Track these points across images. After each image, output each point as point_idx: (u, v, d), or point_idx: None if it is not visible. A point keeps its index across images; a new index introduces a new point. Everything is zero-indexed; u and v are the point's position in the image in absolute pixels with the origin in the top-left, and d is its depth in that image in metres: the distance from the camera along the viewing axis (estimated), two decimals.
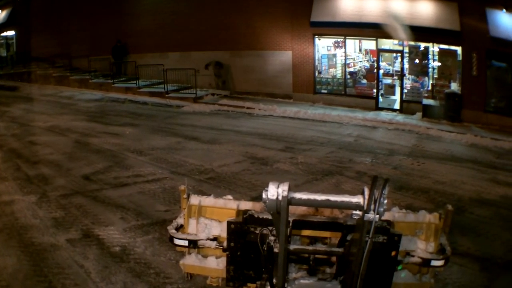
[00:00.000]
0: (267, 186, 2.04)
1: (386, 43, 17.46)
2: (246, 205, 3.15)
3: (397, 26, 14.64)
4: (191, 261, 3.24)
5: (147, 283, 5.11)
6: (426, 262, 2.98)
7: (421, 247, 3.05)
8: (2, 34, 34.39)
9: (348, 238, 2.54)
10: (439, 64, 16.61)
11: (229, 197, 3.40)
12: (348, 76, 18.59)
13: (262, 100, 19.08)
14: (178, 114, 17.04)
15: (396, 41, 17.01)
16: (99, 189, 8.31)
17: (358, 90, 18.39)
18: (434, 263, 2.98)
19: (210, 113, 17.36)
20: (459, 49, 15.93)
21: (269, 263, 2.55)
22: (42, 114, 16.67)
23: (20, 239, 6.21)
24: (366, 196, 1.97)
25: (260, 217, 2.66)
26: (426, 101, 16.42)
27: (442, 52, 16.46)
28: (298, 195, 2.07)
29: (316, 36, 18.55)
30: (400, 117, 16.33)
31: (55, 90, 23.55)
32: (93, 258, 5.66)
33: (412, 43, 16.70)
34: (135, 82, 21.78)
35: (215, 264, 3.19)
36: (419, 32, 15.48)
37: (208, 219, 3.23)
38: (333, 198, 2.04)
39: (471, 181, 9.18)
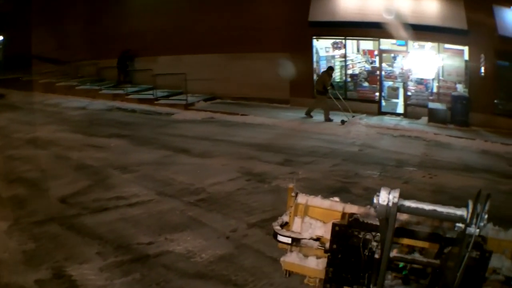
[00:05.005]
0: (378, 191, 2.11)
1: (388, 44, 16.61)
2: (351, 208, 3.24)
3: (400, 25, 13.86)
4: (291, 258, 3.34)
5: None
6: (508, 281, 3.01)
7: (506, 265, 3.07)
8: None
9: (445, 250, 2.64)
10: (445, 65, 15.82)
11: (336, 199, 3.50)
12: (349, 79, 17.72)
13: (258, 105, 18.30)
14: (168, 122, 16.14)
15: (399, 41, 16.16)
16: (77, 215, 7.33)
17: (360, 93, 17.53)
18: None
19: (202, 121, 16.45)
20: (466, 48, 15.20)
21: (369, 269, 2.66)
22: (25, 124, 15.61)
23: None
24: (470, 210, 2.05)
25: (365, 221, 2.76)
26: (432, 105, 15.64)
27: (448, 52, 15.68)
28: (407, 203, 2.16)
29: (314, 37, 17.74)
30: (405, 122, 15.60)
31: (42, 98, 22.46)
32: None
33: (416, 42, 15.92)
34: (122, 88, 20.88)
35: (315, 264, 3.26)
36: (423, 31, 14.75)
37: (313, 219, 3.34)
38: (440, 209, 2.13)
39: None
